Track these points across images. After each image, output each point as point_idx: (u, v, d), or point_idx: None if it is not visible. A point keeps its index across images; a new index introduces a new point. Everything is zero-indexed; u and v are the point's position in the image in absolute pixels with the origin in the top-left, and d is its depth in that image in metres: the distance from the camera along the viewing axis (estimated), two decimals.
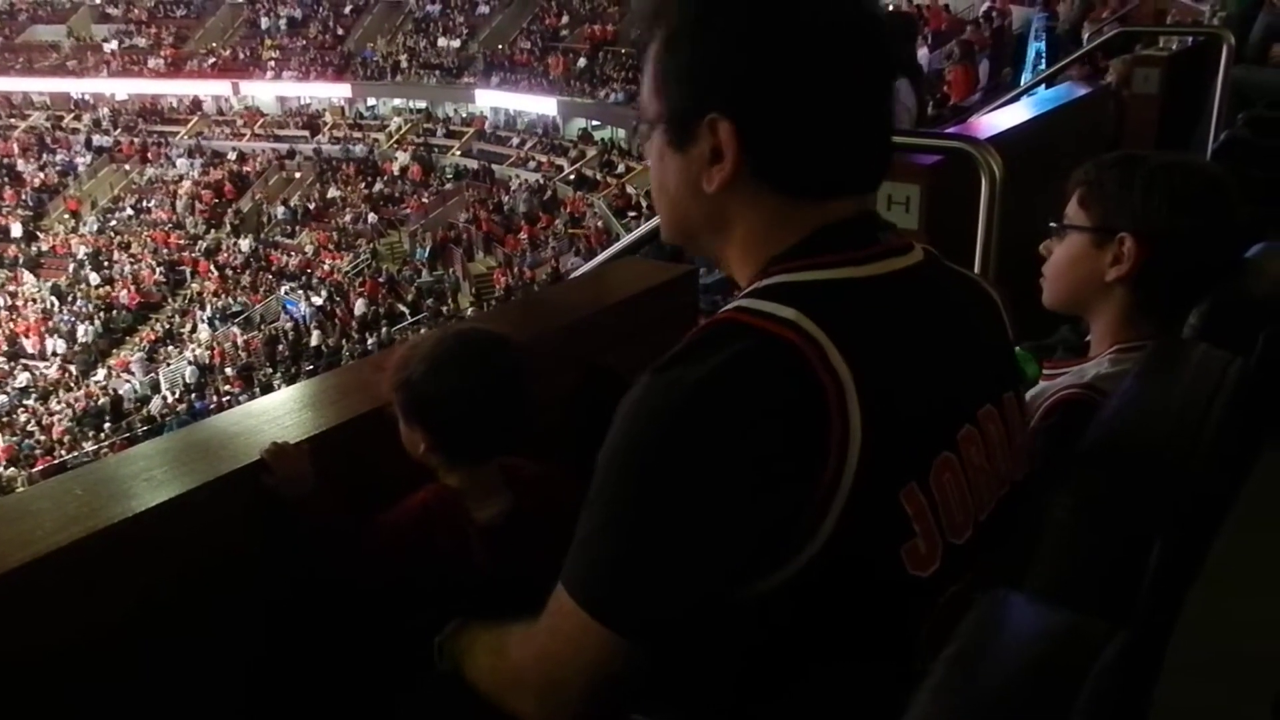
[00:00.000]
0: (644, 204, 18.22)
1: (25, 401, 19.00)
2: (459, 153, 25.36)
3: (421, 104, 27.52)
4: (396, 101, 27.78)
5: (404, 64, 27.18)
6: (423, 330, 15.80)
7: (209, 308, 21.05)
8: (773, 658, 0.92)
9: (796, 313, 0.85)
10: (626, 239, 4.10)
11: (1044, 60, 9.49)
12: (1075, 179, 1.48)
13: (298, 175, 25.80)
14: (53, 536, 1.36)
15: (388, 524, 1.48)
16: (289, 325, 19.07)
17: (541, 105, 24.55)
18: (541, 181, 22.41)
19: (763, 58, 0.91)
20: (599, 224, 18.98)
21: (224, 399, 16.14)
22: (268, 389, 15.68)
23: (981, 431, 0.96)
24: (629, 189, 20.06)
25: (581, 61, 24.43)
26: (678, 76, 0.95)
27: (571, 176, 22.10)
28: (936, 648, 0.69)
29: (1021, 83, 8.54)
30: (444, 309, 17.81)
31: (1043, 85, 5.73)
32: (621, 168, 21.64)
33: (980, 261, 2.32)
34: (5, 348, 21.16)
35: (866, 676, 0.90)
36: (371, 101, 28.15)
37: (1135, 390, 1.12)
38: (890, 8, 15.58)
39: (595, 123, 23.85)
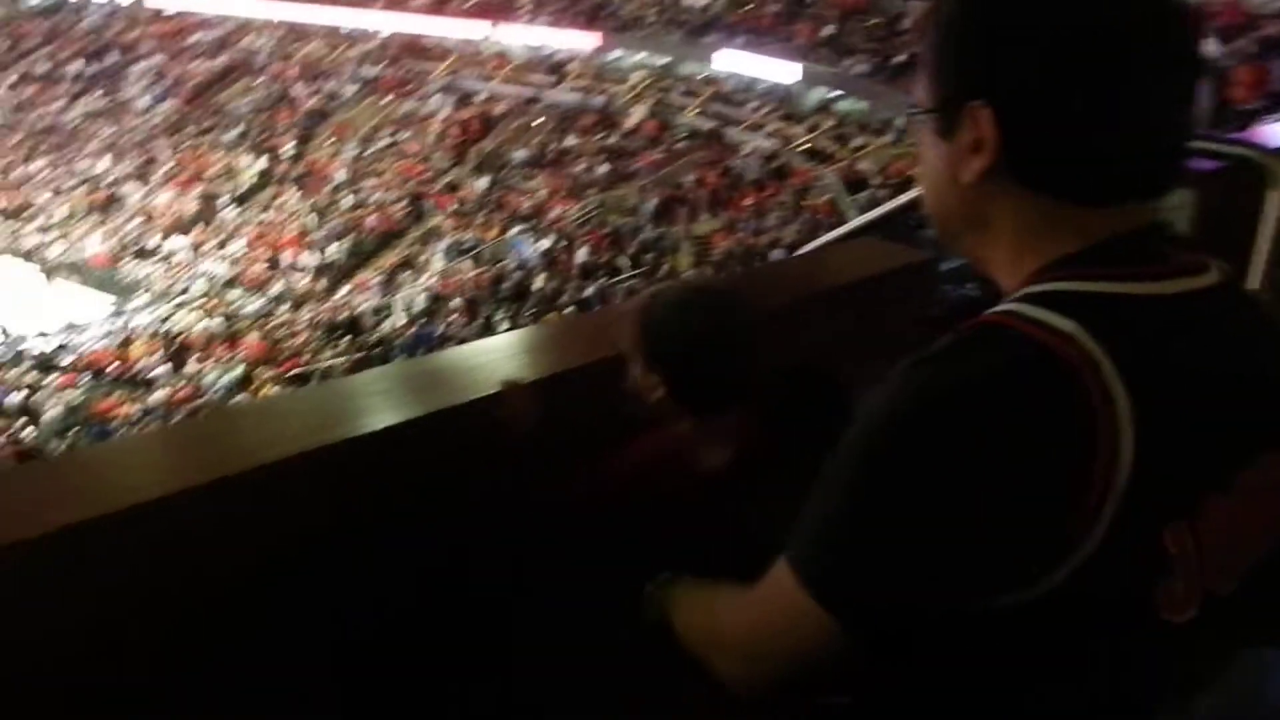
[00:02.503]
0: (876, 183, 17.71)
1: (278, 309, 20.83)
2: (695, 112, 25.43)
3: (664, 60, 27.73)
4: (639, 56, 28.13)
5: (651, 18, 27.44)
6: (641, 285, 16.08)
7: (445, 240, 22.24)
8: (994, 677, 0.89)
9: (1076, 326, 0.80)
10: (861, 219, 3.99)
11: None
12: None
13: (539, 121, 26.67)
14: (300, 440, 1.49)
15: (615, 467, 1.56)
16: (515, 266, 19.87)
17: (783, 71, 24.19)
18: (774, 149, 22.17)
19: (1033, 46, 0.85)
20: (827, 198, 18.62)
21: (449, 329, 17.06)
22: (489, 324, 16.46)
23: (1262, 479, 0.88)
24: (862, 165, 19.54)
25: (829, 29, 23.85)
26: (946, 62, 0.93)
27: (805, 147, 21.74)
28: (1182, 698, 0.65)
29: None
30: (662, 266, 18.04)
31: None
32: (858, 141, 21.09)
33: (1259, 284, 2.12)
34: (268, 256, 23.23)
35: (1096, 713, 0.85)
36: (616, 54, 28.63)
37: None
38: None
39: (836, 93, 23.29)
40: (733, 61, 25.39)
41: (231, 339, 18.58)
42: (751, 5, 26.09)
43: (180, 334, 18.92)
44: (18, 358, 18.09)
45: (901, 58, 20.78)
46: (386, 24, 31.69)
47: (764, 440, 1.59)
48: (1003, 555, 0.81)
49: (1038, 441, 0.78)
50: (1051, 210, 0.89)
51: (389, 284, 20.99)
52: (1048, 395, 0.79)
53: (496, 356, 1.76)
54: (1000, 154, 0.88)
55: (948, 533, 0.82)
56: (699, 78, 26.93)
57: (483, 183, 24.41)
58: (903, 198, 3.66)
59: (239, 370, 16.30)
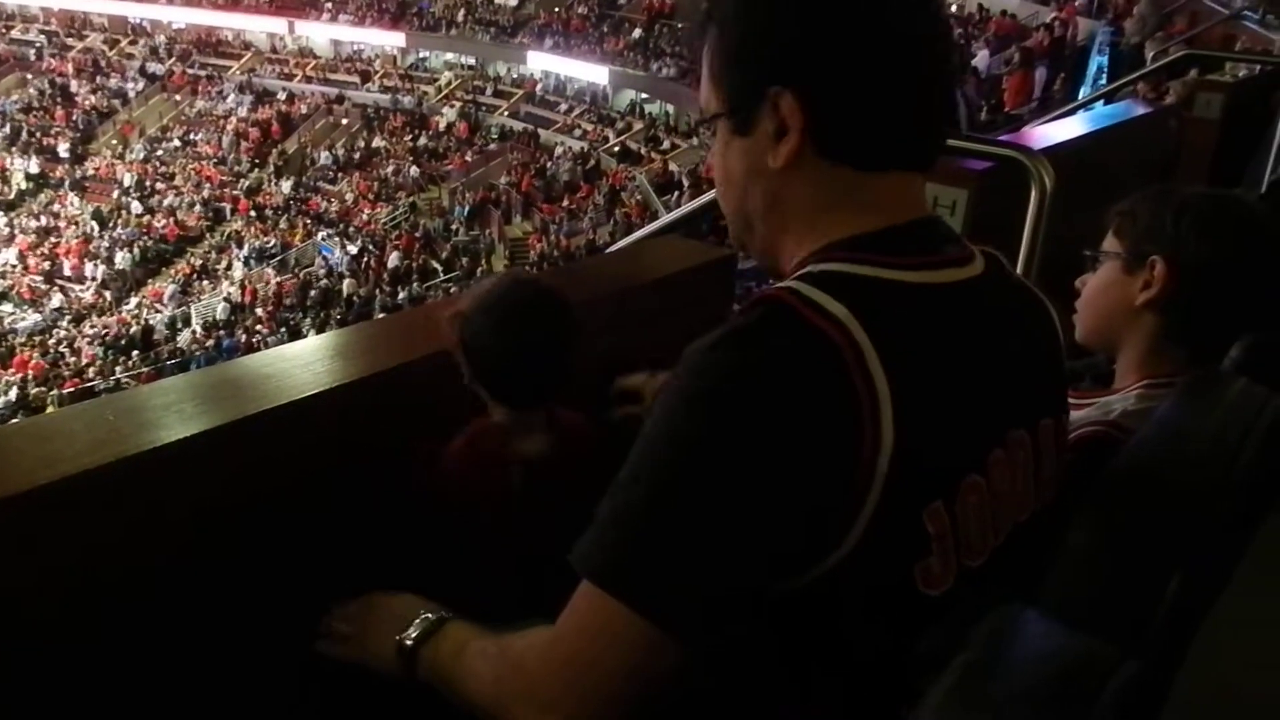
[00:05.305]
0: (685, 183, 18.14)
1: (60, 323, 19.27)
2: (506, 113, 25.30)
3: (473, 60, 27.44)
4: (448, 56, 27.71)
5: (459, 18, 27.10)
6: (453, 290, 15.85)
7: (246, 246, 21.19)
8: (772, 663, 0.91)
9: (847, 312, 0.84)
10: (667, 217, 4.09)
11: (1105, 75, 9.37)
12: (1112, 212, 1.49)
13: (344, 122, 25.84)
14: (82, 458, 1.38)
15: (440, 461, 1.51)
16: (322, 271, 19.16)
17: (593, 73, 24.42)
18: (586, 150, 22.35)
19: (814, 22, 0.90)
20: (638, 199, 18.93)
21: (252, 338, 16.28)
22: (296, 332, 15.81)
23: (1009, 456, 0.95)
24: (672, 166, 19.98)
25: (637, 32, 24.26)
26: (732, 61, 0.95)
27: (616, 148, 22.02)
28: (934, 665, 0.69)
29: (1080, 96, 8.44)
30: (478, 269, 17.84)
31: (1101, 100, 5.65)
32: (667, 144, 21.53)
33: (1021, 274, 2.29)
34: (45, 267, 21.43)
35: (861, 689, 0.89)
36: (424, 54, 28.10)
37: (1167, 418, 1.11)
38: (952, 8, 15.37)
39: (645, 96, 23.70)
40: (543, 62, 25.43)
41: (3, 358, 17.08)
42: (561, 7, 26.21)
43: None
44: None
45: None
46: (177, 17, 29.93)
47: (582, 431, 1.58)
48: (787, 538, 0.83)
49: (812, 426, 0.81)
50: (844, 183, 0.93)
51: (184, 294, 19.81)
52: (816, 383, 0.82)
53: (294, 364, 1.68)
54: (806, 132, 0.91)
55: (739, 516, 0.82)
56: (510, 78, 26.81)
57: (286, 185, 23.41)
58: (704, 198, 3.77)
59: (13, 391, 15.00)
